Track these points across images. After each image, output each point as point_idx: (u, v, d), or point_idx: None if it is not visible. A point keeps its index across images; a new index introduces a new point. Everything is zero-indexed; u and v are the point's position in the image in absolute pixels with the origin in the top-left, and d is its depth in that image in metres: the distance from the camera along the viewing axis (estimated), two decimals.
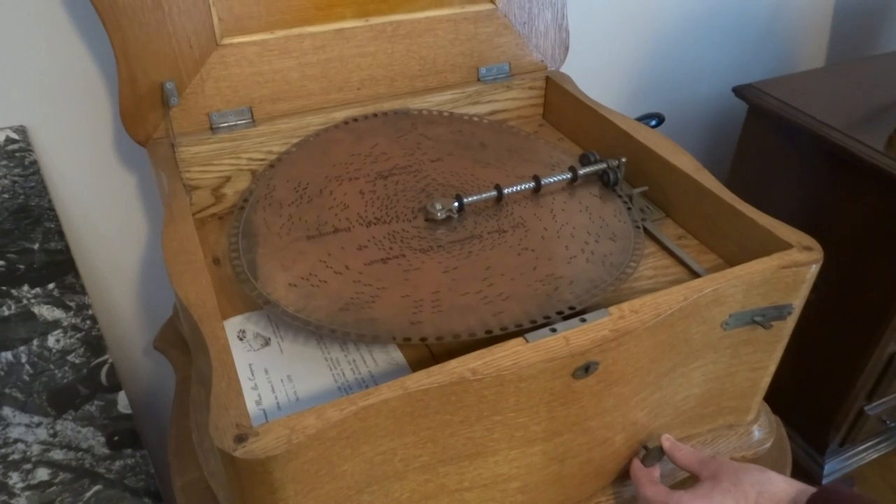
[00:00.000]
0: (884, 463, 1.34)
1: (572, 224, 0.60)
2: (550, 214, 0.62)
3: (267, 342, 0.53)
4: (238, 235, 0.59)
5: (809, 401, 1.05)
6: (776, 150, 1.00)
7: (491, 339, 0.45)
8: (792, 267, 0.50)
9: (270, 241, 0.59)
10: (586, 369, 0.45)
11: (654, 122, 0.85)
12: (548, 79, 0.79)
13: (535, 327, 0.45)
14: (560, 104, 0.78)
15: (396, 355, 0.52)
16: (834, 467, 1.08)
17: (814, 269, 0.51)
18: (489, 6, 0.74)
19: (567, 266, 0.55)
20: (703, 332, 0.51)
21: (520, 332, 0.45)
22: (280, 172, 0.66)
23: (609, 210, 0.62)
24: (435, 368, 0.41)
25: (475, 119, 0.74)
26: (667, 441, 0.55)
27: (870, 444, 1.12)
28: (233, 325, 0.54)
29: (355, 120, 0.71)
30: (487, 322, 0.49)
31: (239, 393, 0.40)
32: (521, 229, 0.59)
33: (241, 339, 0.53)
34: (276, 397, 0.48)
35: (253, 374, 0.50)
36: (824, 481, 1.07)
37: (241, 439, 0.37)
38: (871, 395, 1.01)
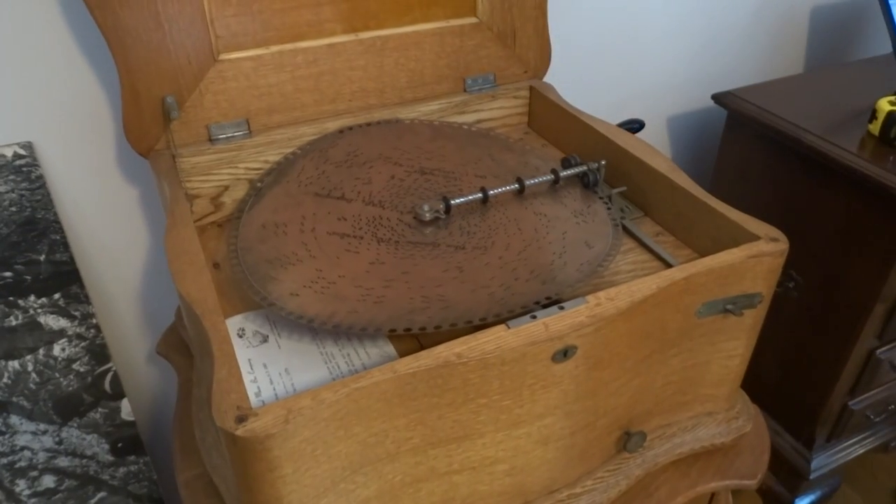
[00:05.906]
0: (876, 461, 1.36)
1: (529, 261, 0.58)
2: (521, 244, 0.60)
3: (265, 339, 0.56)
4: (275, 170, 0.62)
5: (795, 397, 1.08)
6: (756, 154, 1.03)
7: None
8: (759, 257, 0.53)
9: (289, 185, 0.61)
10: (565, 353, 0.47)
11: (634, 128, 0.88)
12: (532, 88, 0.82)
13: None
14: (544, 112, 0.81)
15: (388, 349, 0.54)
16: (821, 462, 1.10)
17: (780, 259, 0.55)
18: (473, 20, 0.77)
19: (468, 294, 0.54)
20: (677, 320, 0.54)
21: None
22: (348, 138, 0.69)
23: (574, 269, 0.57)
24: (422, 353, 0.44)
25: (547, 157, 0.76)
26: None
27: (856, 439, 1.14)
28: (233, 323, 0.57)
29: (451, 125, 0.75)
30: (335, 315, 0.51)
31: (239, 379, 0.43)
32: (479, 251, 0.59)
33: (240, 336, 0.56)
34: (274, 389, 0.51)
35: (252, 368, 0.53)
36: (812, 476, 1.09)
37: (241, 419, 0.40)
38: (853, 391, 1.03)
